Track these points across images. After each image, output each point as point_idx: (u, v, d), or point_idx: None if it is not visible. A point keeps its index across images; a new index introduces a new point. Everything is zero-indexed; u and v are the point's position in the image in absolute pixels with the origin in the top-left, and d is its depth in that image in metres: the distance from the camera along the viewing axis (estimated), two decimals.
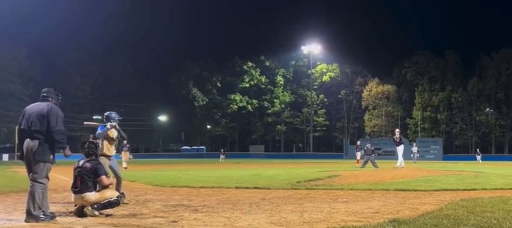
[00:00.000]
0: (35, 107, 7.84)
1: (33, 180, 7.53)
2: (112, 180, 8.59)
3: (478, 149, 65.87)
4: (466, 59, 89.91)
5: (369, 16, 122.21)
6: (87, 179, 8.12)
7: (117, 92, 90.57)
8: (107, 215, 8.00)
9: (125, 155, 30.53)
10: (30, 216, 7.37)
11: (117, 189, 9.76)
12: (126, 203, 9.68)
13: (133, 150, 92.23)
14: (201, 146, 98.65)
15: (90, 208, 8.00)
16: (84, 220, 7.55)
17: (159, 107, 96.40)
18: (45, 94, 8.00)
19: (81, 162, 8.38)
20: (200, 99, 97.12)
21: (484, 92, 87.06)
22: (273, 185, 14.45)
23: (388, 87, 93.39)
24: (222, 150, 66.21)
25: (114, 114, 10.42)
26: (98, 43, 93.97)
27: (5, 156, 71.45)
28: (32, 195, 7.43)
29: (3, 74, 72.37)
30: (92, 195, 8.04)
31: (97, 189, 8.20)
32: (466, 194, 11.56)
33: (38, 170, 7.54)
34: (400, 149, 27.50)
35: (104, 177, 8.27)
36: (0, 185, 14.75)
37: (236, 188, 13.65)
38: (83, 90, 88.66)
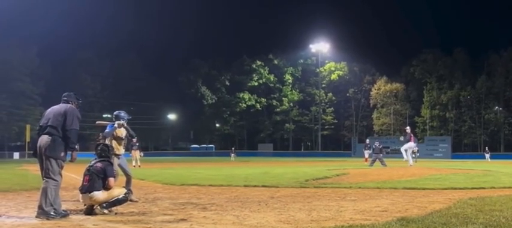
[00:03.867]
0: (54, 108, 8.05)
1: (47, 176, 7.63)
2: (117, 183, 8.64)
3: (486, 148, 65.49)
4: (474, 57, 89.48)
5: (377, 14, 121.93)
6: (95, 178, 8.21)
7: (126, 90, 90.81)
8: (116, 213, 8.09)
9: (136, 154, 30.71)
10: (41, 212, 7.46)
11: (127, 187, 9.86)
12: (135, 201, 9.77)
13: (143, 149, 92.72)
14: (210, 144, 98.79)
15: (99, 207, 8.08)
16: (94, 218, 7.61)
17: (168, 105, 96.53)
18: (65, 98, 8.20)
19: (92, 162, 8.50)
20: (209, 98, 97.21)
21: (492, 90, 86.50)
22: (282, 183, 14.49)
23: (397, 86, 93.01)
24: (232, 148, 66.27)
25: (123, 113, 10.50)
26: (107, 42, 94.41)
27: (16, 155, 71.84)
28: (44, 192, 7.52)
29: (14, 72, 72.68)
30: (99, 194, 8.12)
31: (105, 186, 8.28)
32: (475, 192, 11.56)
33: (50, 166, 7.64)
34: (407, 147, 27.38)
35: (112, 179, 8.35)
36: (11, 183, 14.84)
37: (245, 186, 13.69)
38: (93, 89, 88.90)
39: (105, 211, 8.03)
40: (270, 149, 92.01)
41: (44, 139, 7.73)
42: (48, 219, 7.35)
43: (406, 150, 27.30)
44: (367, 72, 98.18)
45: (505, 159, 55.67)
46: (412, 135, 28.26)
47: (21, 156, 68.85)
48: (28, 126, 65.70)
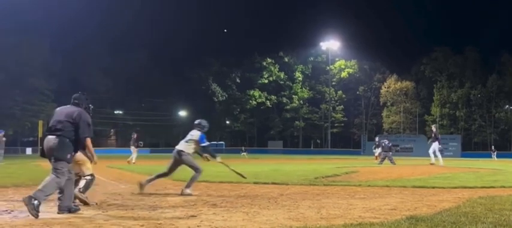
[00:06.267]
0: (64, 110, 8.01)
1: (53, 173, 7.62)
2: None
3: (493, 147, 65.59)
4: (485, 56, 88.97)
5: (387, 12, 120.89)
6: None
7: (137, 87, 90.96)
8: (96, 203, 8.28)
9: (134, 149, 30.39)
10: (29, 196, 7.29)
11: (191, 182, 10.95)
12: (191, 194, 10.54)
13: (154, 145, 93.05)
14: (220, 141, 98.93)
15: (76, 191, 8.39)
16: (105, 214, 7.66)
17: (179, 102, 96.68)
18: (76, 101, 8.15)
19: None
20: (219, 95, 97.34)
21: (503, 88, 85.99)
22: (291, 180, 14.52)
23: (407, 84, 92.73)
24: (243, 147, 66.75)
25: (204, 123, 11.78)
26: (119, 38, 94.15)
27: (29, 150, 72.36)
28: (44, 182, 7.54)
29: (27, 68, 72.95)
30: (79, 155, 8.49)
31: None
32: (485, 191, 11.53)
33: (58, 167, 7.63)
34: (435, 148, 26.89)
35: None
36: (24, 179, 14.96)
37: (254, 183, 13.72)
38: (105, 85, 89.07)
39: (85, 195, 8.60)
40: (279, 146, 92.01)
41: (51, 140, 7.70)
42: (29, 204, 7.18)
43: (434, 152, 26.80)
44: (377, 70, 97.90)
45: None
46: (434, 134, 27.52)
47: (33, 151, 69.32)
48: (40, 122, 65.94)
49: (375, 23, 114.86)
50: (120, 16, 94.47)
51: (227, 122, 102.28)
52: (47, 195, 7.54)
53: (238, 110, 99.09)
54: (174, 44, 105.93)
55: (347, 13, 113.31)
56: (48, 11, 77.95)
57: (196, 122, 11.89)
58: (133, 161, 28.79)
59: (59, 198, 7.72)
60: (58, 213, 7.59)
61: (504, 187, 12.78)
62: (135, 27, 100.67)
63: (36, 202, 7.23)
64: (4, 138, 29.81)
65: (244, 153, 59.43)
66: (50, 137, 7.75)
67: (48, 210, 7.99)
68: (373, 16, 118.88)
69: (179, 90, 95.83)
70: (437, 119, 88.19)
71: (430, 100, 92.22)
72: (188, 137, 11.60)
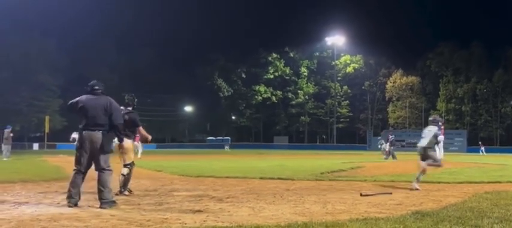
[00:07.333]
0: (97, 101, 8.08)
1: (103, 169, 7.94)
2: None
3: (480, 142, 66.48)
4: (491, 50, 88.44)
5: (393, 7, 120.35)
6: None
7: (143, 82, 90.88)
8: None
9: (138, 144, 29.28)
10: (106, 201, 7.78)
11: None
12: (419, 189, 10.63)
13: (160, 140, 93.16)
14: (226, 136, 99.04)
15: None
16: (112, 209, 7.67)
17: (185, 97, 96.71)
18: (97, 87, 8.23)
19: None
20: (225, 90, 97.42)
21: (509, 83, 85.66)
22: (297, 176, 14.56)
23: (412, 79, 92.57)
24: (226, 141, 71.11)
25: (439, 118, 13.06)
26: (125, 35, 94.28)
27: (35, 145, 72.53)
28: (105, 183, 7.86)
29: (33, 65, 73.18)
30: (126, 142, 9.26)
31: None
32: (491, 186, 11.55)
33: (103, 160, 7.96)
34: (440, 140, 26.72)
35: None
36: (31, 174, 15.04)
37: (260, 178, 13.77)
38: (111, 80, 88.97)
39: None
40: (285, 141, 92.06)
41: (96, 136, 7.91)
42: (114, 204, 7.83)
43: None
44: (383, 65, 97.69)
45: None
46: (441, 127, 27.33)
47: (40, 147, 69.57)
48: (47, 118, 66.28)
49: (380, 18, 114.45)
50: (125, 13, 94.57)
51: (233, 118, 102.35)
52: (111, 189, 8.03)
53: (244, 105, 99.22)
54: (179, 40, 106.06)
55: (352, 8, 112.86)
56: (54, 9, 78.13)
57: (431, 118, 12.90)
58: (139, 156, 28.68)
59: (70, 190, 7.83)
60: (101, 208, 7.72)
61: (510, 182, 12.79)
62: (140, 24, 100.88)
63: (110, 202, 7.84)
64: (11, 134, 29.89)
65: (227, 147, 61.97)
66: (92, 133, 7.94)
67: (55, 204, 8.05)
68: (379, 11, 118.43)
69: (185, 85, 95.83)
70: (443, 114, 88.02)
71: (435, 95, 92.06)
72: (428, 133, 11.97)
